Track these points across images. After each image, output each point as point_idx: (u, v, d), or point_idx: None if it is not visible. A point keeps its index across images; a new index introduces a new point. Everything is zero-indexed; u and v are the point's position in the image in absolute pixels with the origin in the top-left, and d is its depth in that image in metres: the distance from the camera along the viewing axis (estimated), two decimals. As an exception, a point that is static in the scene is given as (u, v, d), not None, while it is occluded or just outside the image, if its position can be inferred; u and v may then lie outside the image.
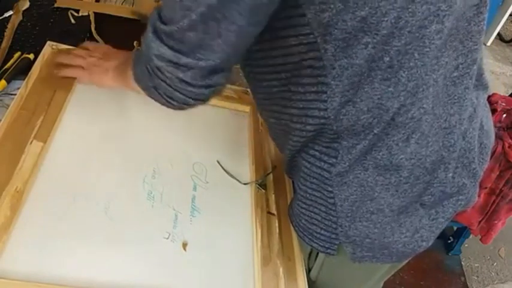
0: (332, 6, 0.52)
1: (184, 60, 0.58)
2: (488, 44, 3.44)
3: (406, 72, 0.58)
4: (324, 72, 0.58)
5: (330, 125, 0.63)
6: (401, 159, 0.64)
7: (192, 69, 0.58)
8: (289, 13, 0.55)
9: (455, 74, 0.65)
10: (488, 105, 0.79)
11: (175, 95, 0.63)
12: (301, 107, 0.64)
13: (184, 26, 0.55)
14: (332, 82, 0.59)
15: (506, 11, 3.19)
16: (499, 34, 3.50)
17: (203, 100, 0.64)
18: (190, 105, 0.65)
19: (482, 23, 0.64)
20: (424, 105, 0.62)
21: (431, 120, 0.64)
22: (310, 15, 0.54)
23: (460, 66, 0.65)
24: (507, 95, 1.73)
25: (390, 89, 0.59)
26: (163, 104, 0.67)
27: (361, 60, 0.57)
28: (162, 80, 0.62)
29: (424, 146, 0.65)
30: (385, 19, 0.54)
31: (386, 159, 0.64)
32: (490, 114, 0.80)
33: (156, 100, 0.68)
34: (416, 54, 0.57)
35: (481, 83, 0.72)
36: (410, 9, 0.54)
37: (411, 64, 0.58)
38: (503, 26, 3.43)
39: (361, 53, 0.56)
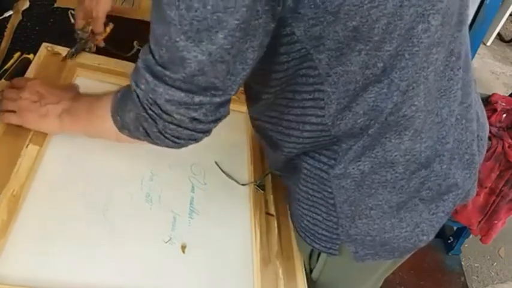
0: (322, 19, 0.52)
1: (197, 99, 0.56)
2: (488, 44, 3.43)
3: (398, 73, 0.59)
4: (320, 80, 0.58)
5: (328, 131, 0.63)
6: (395, 156, 0.65)
7: (205, 105, 0.57)
8: (277, 32, 0.54)
9: (441, 68, 0.65)
10: (479, 97, 0.80)
11: (183, 133, 0.61)
12: (299, 114, 0.64)
13: (191, 72, 0.53)
14: (329, 89, 0.59)
15: (506, 11, 3.18)
16: (499, 34, 3.50)
17: (209, 132, 0.63)
18: (197, 140, 0.64)
19: (463, 14, 0.65)
20: (416, 103, 0.62)
21: (424, 117, 0.64)
22: (299, 32, 0.53)
23: (446, 59, 0.65)
24: (507, 95, 1.73)
25: (384, 90, 0.60)
26: (166, 146, 0.64)
27: (355, 67, 0.57)
28: (169, 122, 0.59)
29: (418, 142, 0.65)
30: (376, 26, 0.54)
31: (381, 157, 0.65)
32: (483, 107, 0.80)
33: (155, 143, 0.65)
34: (406, 55, 0.58)
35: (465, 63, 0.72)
36: (398, 14, 0.54)
37: (402, 64, 0.58)
38: (503, 26, 3.43)
39: (355, 60, 0.56)
